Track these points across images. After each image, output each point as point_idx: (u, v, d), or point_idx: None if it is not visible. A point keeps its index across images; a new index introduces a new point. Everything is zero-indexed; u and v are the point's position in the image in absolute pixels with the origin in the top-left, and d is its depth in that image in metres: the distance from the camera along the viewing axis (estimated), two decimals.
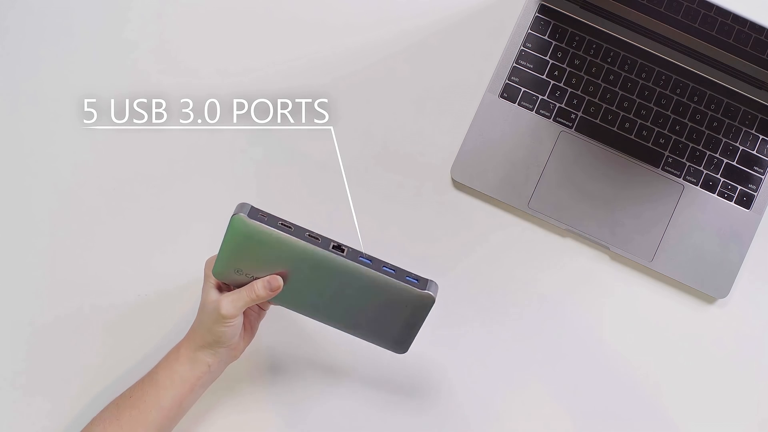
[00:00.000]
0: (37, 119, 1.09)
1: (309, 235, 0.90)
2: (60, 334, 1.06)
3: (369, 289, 0.92)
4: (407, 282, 0.91)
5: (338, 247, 0.91)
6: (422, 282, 0.92)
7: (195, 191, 1.08)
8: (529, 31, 1.08)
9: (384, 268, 0.91)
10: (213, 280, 0.95)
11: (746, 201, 1.08)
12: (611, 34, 1.08)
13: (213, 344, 0.95)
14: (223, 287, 0.96)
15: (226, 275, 0.94)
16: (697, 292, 1.08)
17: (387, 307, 0.93)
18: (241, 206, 0.90)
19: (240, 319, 0.95)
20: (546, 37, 1.08)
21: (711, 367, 1.08)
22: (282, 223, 0.90)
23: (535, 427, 1.07)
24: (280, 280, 0.93)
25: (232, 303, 0.93)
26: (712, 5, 1.06)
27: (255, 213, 0.90)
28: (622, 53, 1.08)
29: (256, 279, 0.93)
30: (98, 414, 0.97)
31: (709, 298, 1.08)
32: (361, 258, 0.91)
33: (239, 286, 0.94)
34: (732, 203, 1.08)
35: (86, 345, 1.07)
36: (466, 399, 1.07)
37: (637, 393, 1.08)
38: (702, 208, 1.08)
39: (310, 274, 0.92)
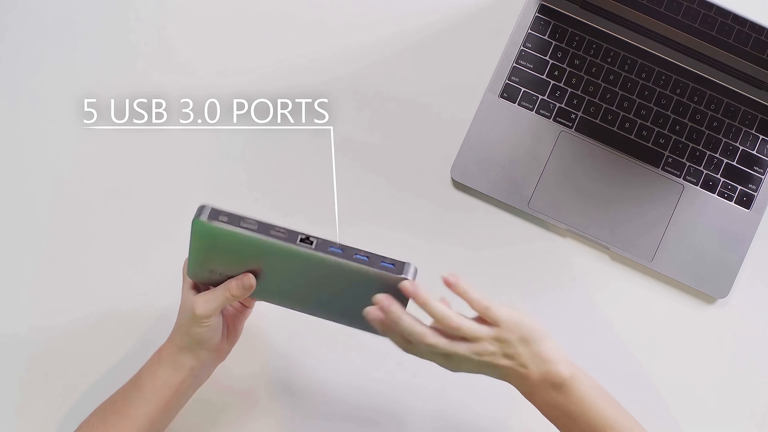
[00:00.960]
0: (37, 119, 1.09)
1: (274, 231, 0.86)
2: (58, 333, 1.06)
3: (344, 278, 0.88)
4: (382, 268, 0.87)
5: (306, 240, 0.87)
6: (398, 266, 0.87)
7: (195, 191, 1.08)
8: (529, 31, 1.08)
9: (356, 256, 0.87)
10: (189, 281, 0.94)
11: (746, 201, 1.08)
12: (611, 34, 1.08)
13: (193, 346, 0.94)
14: (201, 287, 0.94)
15: (201, 276, 0.92)
16: (697, 292, 1.08)
17: (367, 294, 0.89)
18: (201, 209, 0.86)
19: (218, 320, 0.93)
20: (546, 37, 1.08)
21: (711, 367, 1.08)
22: (244, 223, 0.86)
23: (535, 426, 1.07)
24: (252, 279, 0.91)
25: (206, 303, 0.91)
26: (712, 5, 1.06)
27: (216, 214, 0.86)
28: (622, 53, 1.08)
29: (230, 278, 0.91)
30: (85, 419, 0.97)
31: (709, 298, 1.08)
32: (331, 248, 0.87)
33: (216, 285, 0.93)
34: (732, 203, 1.08)
35: (84, 344, 1.06)
36: (462, 397, 1.07)
37: (637, 393, 1.08)
38: (702, 208, 1.08)
39: (284, 267, 0.89)
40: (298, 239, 0.86)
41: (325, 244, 0.87)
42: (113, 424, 0.94)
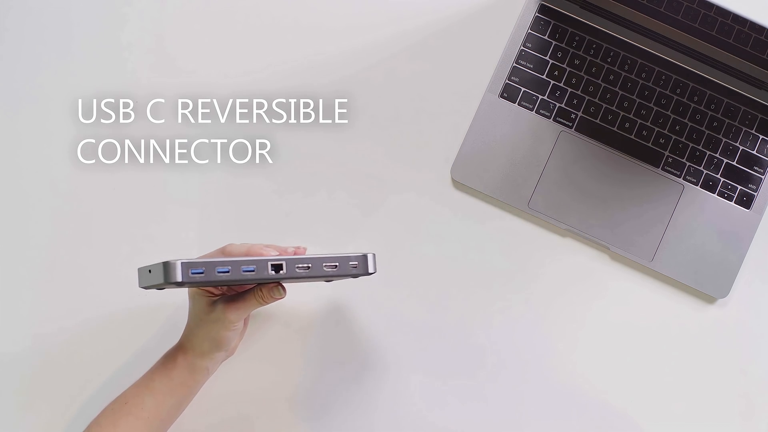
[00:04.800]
0: (35, 120, 1.09)
1: (244, 270, 0.86)
2: (58, 335, 1.06)
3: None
4: (350, 273, 0.89)
5: (277, 267, 0.86)
6: (362, 264, 0.89)
7: (194, 191, 1.08)
8: (529, 31, 1.08)
9: (325, 267, 0.88)
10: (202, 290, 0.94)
11: (746, 201, 1.08)
12: (611, 34, 1.08)
13: (213, 350, 0.95)
14: (215, 290, 0.94)
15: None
16: (697, 292, 1.08)
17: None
18: (171, 269, 0.83)
19: (242, 323, 0.96)
20: (546, 37, 1.08)
21: (711, 367, 1.08)
22: (219, 271, 0.85)
23: (537, 425, 1.07)
24: (283, 292, 0.92)
25: (237, 310, 0.92)
26: (712, 5, 1.06)
27: (187, 273, 0.84)
28: (622, 53, 1.08)
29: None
30: (94, 420, 0.97)
31: (709, 298, 1.08)
32: (299, 269, 0.87)
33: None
34: (732, 203, 1.08)
35: (85, 345, 1.06)
36: (465, 396, 1.07)
37: (636, 392, 1.08)
38: (702, 208, 1.08)
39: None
40: (270, 269, 0.86)
41: (292, 265, 0.87)
42: (125, 423, 0.95)
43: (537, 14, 1.08)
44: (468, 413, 1.07)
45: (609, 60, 1.08)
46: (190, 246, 1.07)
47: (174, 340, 1.00)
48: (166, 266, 0.83)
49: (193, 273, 0.84)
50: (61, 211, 1.08)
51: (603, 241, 1.07)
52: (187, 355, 0.96)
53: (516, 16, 1.09)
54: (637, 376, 1.08)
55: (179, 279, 0.83)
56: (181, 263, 0.83)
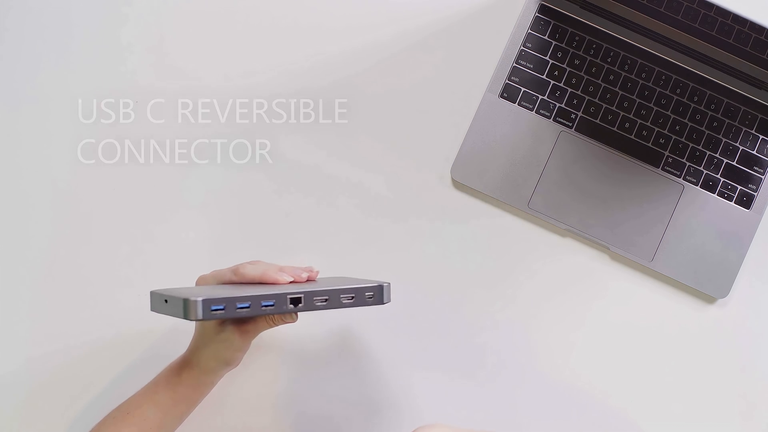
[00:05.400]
0: (35, 120, 1.09)
1: (264, 305, 0.85)
2: (57, 336, 1.06)
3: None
4: (367, 303, 0.89)
5: (296, 301, 0.86)
6: (377, 294, 0.89)
7: (194, 191, 1.08)
8: (529, 31, 1.08)
9: (342, 299, 0.88)
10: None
11: (746, 201, 1.08)
12: (611, 34, 1.08)
13: (222, 367, 0.95)
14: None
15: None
16: (697, 292, 1.08)
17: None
18: (188, 308, 0.82)
19: (250, 342, 0.96)
20: (546, 37, 1.08)
21: (711, 367, 1.08)
22: (239, 306, 0.84)
23: (537, 425, 1.07)
24: (295, 317, 0.93)
25: (248, 334, 0.93)
26: (712, 5, 1.06)
27: (207, 310, 0.82)
28: (622, 53, 1.08)
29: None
30: (95, 427, 0.96)
31: (709, 298, 1.08)
32: (317, 302, 0.87)
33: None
34: (732, 203, 1.08)
35: (85, 348, 1.06)
36: (465, 396, 1.07)
37: (636, 393, 1.08)
38: (702, 208, 1.08)
39: None
40: (288, 303, 0.86)
41: (311, 298, 0.87)
42: None
43: (537, 14, 1.08)
44: (468, 413, 1.07)
45: (609, 60, 1.08)
46: (189, 246, 1.07)
47: (176, 343, 1.00)
48: (186, 303, 0.82)
49: (213, 310, 0.82)
50: (61, 211, 1.08)
51: (603, 241, 1.07)
52: (193, 371, 0.95)
53: (516, 16, 1.09)
54: (636, 376, 1.08)
55: (200, 317, 0.82)
56: (202, 301, 0.82)
